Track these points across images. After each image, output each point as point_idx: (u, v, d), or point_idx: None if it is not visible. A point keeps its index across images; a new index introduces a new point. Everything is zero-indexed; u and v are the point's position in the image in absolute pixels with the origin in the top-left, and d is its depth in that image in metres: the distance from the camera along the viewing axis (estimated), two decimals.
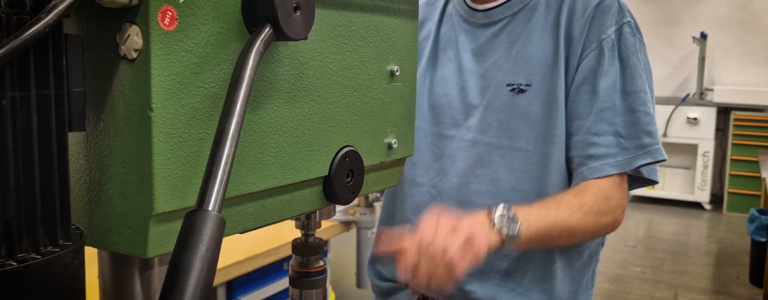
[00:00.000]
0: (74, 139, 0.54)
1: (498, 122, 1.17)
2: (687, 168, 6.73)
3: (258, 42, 0.53)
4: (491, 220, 0.97)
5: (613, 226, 1.13)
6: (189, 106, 0.52)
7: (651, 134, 1.12)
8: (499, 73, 1.18)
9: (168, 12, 0.50)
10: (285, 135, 0.63)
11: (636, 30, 1.15)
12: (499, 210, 0.98)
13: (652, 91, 1.17)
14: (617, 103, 1.12)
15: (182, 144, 0.52)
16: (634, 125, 1.12)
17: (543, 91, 1.15)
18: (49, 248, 0.44)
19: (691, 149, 6.57)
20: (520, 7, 1.20)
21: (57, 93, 0.44)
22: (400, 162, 0.84)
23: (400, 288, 1.30)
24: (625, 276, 4.53)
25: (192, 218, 0.42)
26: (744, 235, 4.99)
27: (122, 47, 0.50)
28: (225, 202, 0.58)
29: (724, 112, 6.55)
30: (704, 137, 6.45)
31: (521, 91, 1.16)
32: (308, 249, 0.80)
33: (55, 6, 0.42)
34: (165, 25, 0.49)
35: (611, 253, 5.00)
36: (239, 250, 1.98)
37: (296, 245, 0.81)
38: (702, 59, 6.62)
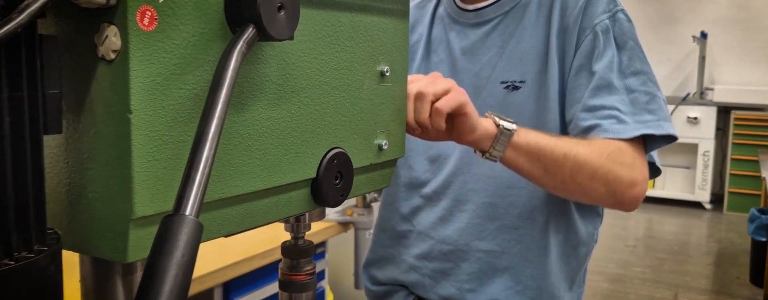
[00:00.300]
0: (54, 141, 0.53)
1: None
2: (687, 167, 6.73)
3: (240, 42, 0.52)
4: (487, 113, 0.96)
5: (631, 190, 1.04)
6: (170, 107, 0.51)
7: (652, 112, 1.07)
8: (494, 71, 1.18)
9: (147, 12, 0.49)
10: (271, 137, 0.62)
11: (629, 18, 1.14)
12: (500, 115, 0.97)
13: (655, 77, 1.14)
14: (614, 82, 1.08)
15: (163, 147, 0.51)
16: (633, 104, 1.08)
17: (536, 87, 1.14)
18: (24, 254, 0.43)
19: (691, 149, 6.56)
20: (511, 5, 1.20)
21: (30, 95, 0.43)
22: (391, 163, 0.83)
23: (394, 291, 1.30)
24: (625, 276, 4.52)
25: (168, 223, 0.41)
26: (744, 235, 4.98)
27: (100, 48, 0.49)
28: (208, 206, 0.57)
29: (724, 111, 6.54)
30: (704, 137, 6.45)
31: (516, 88, 1.15)
32: (298, 252, 0.79)
33: (27, 6, 0.41)
34: (144, 25, 0.48)
35: (611, 252, 4.99)
36: (236, 252, 1.97)
37: (285, 248, 0.80)
38: (702, 58, 6.61)
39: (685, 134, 6.50)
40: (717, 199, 6.63)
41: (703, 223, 6.09)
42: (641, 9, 6.95)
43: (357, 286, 2.58)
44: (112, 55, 0.48)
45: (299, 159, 0.65)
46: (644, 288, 4.31)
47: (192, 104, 0.53)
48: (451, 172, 1.21)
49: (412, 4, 1.37)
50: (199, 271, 1.83)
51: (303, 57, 0.64)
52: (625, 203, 1.06)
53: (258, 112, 0.60)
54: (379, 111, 0.78)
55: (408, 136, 1.28)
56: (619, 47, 1.11)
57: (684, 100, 6.51)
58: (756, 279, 4.30)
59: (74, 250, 0.54)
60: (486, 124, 0.96)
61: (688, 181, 6.71)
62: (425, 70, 1.27)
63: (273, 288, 2.15)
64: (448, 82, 0.93)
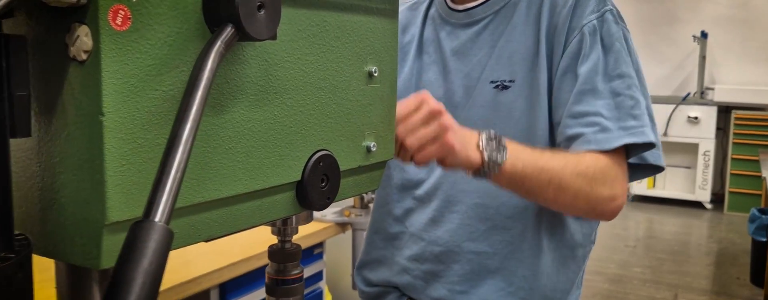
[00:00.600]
0: (26, 144, 0.51)
1: (482, 120, 1.16)
2: (688, 167, 6.71)
3: (218, 43, 0.51)
4: (479, 138, 0.95)
5: (610, 204, 1.06)
6: (145, 110, 0.50)
7: (636, 118, 1.07)
8: (484, 71, 1.17)
9: (120, 11, 0.47)
10: (253, 139, 0.60)
11: (619, 18, 1.13)
12: (491, 132, 0.95)
13: (642, 79, 1.13)
14: (599, 85, 1.08)
15: (137, 150, 0.49)
16: (618, 108, 1.07)
17: (526, 86, 1.13)
18: None
19: (691, 148, 6.54)
20: (501, 5, 1.18)
21: None
22: (380, 166, 0.82)
23: (387, 292, 1.29)
24: (624, 276, 4.50)
25: (136, 230, 0.40)
26: (745, 235, 4.96)
27: (71, 49, 0.47)
28: (187, 210, 0.56)
29: (724, 111, 6.52)
30: (705, 136, 6.43)
31: (505, 87, 1.14)
32: (285, 255, 0.78)
33: None
34: (117, 24, 0.47)
35: (611, 253, 4.97)
36: (232, 253, 1.96)
37: (272, 251, 0.78)
38: (702, 58, 6.59)
39: (685, 134, 6.48)
40: (717, 199, 6.61)
41: (704, 223, 6.07)
42: (641, 8, 6.93)
43: (355, 286, 2.56)
44: (84, 56, 0.47)
45: (283, 161, 0.64)
46: (644, 288, 4.30)
47: (168, 106, 0.51)
48: (442, 173, 1.19)
49: (405, 5, 1.36)
50: (195, 272, 1.82)
51: (286, 57, 0.63)
52: (604, 216, 1.10)
53: (239, 113, 0.58)
54: (368, 112, 0.76)
55: None
56: (606, 49, 1.10)
57: (684, 100, 6.49)
58: (756, 279, 4.28)
59: (48, 256, 0.52)
60: (473, 156, 0.95)
61: (688, 180, 6.69)
62: (418, 70, 1.26)
63: None
64: (433, 129, 0.92)
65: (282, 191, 0.66)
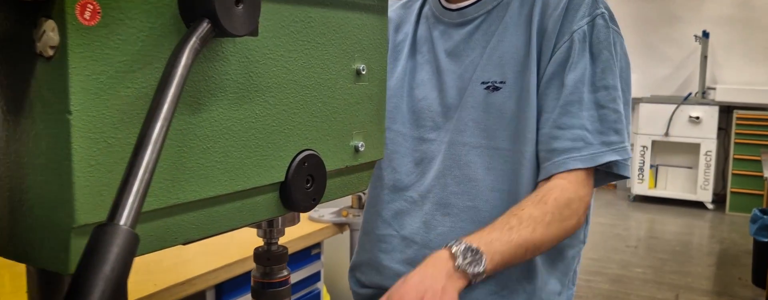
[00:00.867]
0: None
1: (474, 122, 1.14)
2: (689, 167, 6.68)
3: (193, 38, 0.49)
4: (454, 262, 0.93)
5: (577, 227, 1.10)
6: (116, 108, 0.48)
7: (618, 132, 1.08)
8: (476, 72, 1.15)
9: (88, 5, 0.45)
10: (232, 138, 0.58)
11: (610, 21, 1.11)
12: (461, 247, 0.94)
13: (627, 86, 1.13)
14: (584, 96, 1.08)
15: (108, 150, 0.48)
16: (601, 121, 1.08)
17: (517, 87, 1.11)
18: None
19: (693, 148, 6.51)
20: (494, 4, 1.17)
21: None
22: (369, 166, 0.80)
23: (380, 294, 1.27)
24: (625, 277, 4.48)
25: (99, 233, 0.38)
26: (747, 236, 4.93)
27: (38, 44, 0.45)
28: (163, 212, 0.54)
29: (726, 111, 6.49)
30: (706, 136, 6.40)
31: (496, 88, 1.12)
32: (271, 258, 0.76)
33: None
34: (85, 19, 0.45)
35: (612, 253, 4.94)
36: (229, 254, 1.94)
37: (258, 254, 0.76)
38: (704, 58, 6.55)
39: (687, 134, 6.45)
40: (719, 199, 6.58)
41: (705, 224, 6.04)
42: (643, 8, 6.90)
43: None
44: (50, 52, 0.45)
45: (265, 162, 0.62)
46: (645, 289, 4.27)
47: (141, 104, 0.49)
48: (435, 176, 1.17)
49: (398, 3, 1.34)
50: (190, 273, 1.80)
51: (268, 54, 0.61)
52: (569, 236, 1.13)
53: (218, 112, 0.56)
54: (355, 111, 0.74)
55: (394, 135, 1.25)
56: (594, 58, 1.09)
57: (686, 100, 6.46)
58: (758, 280, 4.25)
59: (17, 260, 0.51)
60: (459, 282, 0.94)
61: (690, 181, 6.66)
62: (411, 69, 1.24)
63: None
64: None
65: (264, 192, 0.64)
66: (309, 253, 2.37)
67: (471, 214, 1.14)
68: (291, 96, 0.64)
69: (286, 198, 0.65)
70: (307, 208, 0.68)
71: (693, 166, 6.61)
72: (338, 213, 2.50)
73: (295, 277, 2.29)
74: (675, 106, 6.41)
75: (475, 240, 0.95)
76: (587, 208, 1.11)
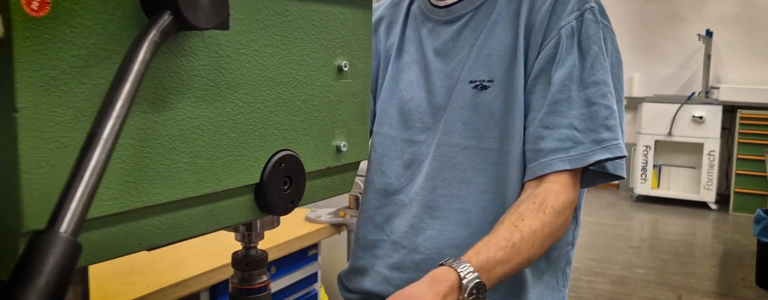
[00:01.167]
0: None
1: (462, 122, 1.10)
2: (692, 167, 6.64)
3: (153, 31, 0.46)
4: (459, 294, 0.88)
5: (565, 227, 1.05)
6: (70, 105, 0.45)
7: (610, 129, 1.03)
8: (464, 70, 1.11)
9: None
10: (201, 138, 0.55)
11: (600, 15, 1.07)
12: (471, 277, 0.89)
13: (619, 82, 1.08)
14: (573, 94, 1.03)
15: (60, 150, 0.44)
16: (592, 118, 1.03)
17: (505, 86, 1.08)
18: None
19: (696, 148, 6.47)
20: (482, 0, 1.13)
21: None
22: (352, 167, 0.76)
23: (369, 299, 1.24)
24: (627, 278, 4.44)
25: (36, 241, 0.35)
26: (750, 236, 4.89)
27: None
28: (124, 216, 0.50)
29: (730, 110, 6.45)
30: (710, 136, 6.35)
31: (484, 87, 1.09)
32: (250, 263, 0.73)
33: None
34: (32, 10, 0.42)
35: (614, 254, 4.91)
36: (224, 255, 1.90)
37: (236, 259, 0.73)
38: (707, 57, 6.51)
39: (690, 134, 6.41)
40: (722, 199, 6.53)
41: (709, 224, 5.99)
42: (646, 7, 6.86)
43: None
44: None
45: (238, 163, 0.59)
46: (647, 290, 4.23)
47: (98, 101, 0.46)
48: (424, 178, 1.14)
49: (387, 2, 1.31)
50: (184, 274, 1.77)
51: (241, 49, 0.58)
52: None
53: (185, 110, 0.53)
54: (337, 109, 0.71)
55: (382, 138, 1.22)
56: (582, 54, 1.05)
57: (689, 99, 6.42)
58: (762, 281, 4.21)
59: None
60: None
61: (693, 181, 6.62)
62: (399, 70, 1.21)
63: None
64: None
65: (238, 195, 0.61)
66: (306, 254, 2.34)
67: (460, 217, 1.11)
68: (266, 93, 0.61)
69: (262, 201, 0.62)
70: (285, 211, 0.64)
71: (696, 166, 6.57)
72: (335, 213, 2.47)
73: (293, 278, 2.27)
74: (678, 105, 6.37)
75: (483, 268, 0.91)
76: (574, 205, 1.07)
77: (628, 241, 5.30)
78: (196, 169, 0.55)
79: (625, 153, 1.05)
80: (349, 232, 2.53)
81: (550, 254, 1.15)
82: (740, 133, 6.22)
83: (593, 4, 1.06)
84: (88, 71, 0.46)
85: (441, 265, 0.91)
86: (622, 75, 1.09)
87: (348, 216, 2.47)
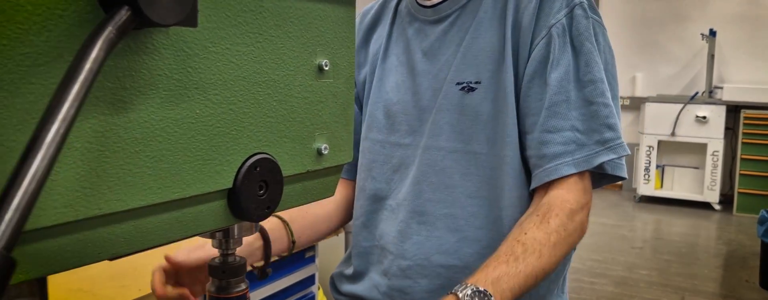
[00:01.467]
0: None
1: (449, 125, 1.07)
2: (696, 167, 6.60)
3: (108, 28, 0.43)
4: None
5: (582, 236, 1.03)
6: (17, 107, 0.42)
7: (612, 127, 1.01)
8: (450, 71, 1.08)
9: None
10: (167, 141, 0.52)
11: (590, 10, 1.04)
12: (467, 292, 0.86)
13: (614, 79, 1.06)
14: (571, 94, 1.01)
15: (7, 156, 0.41)
16: (593, 118, 1.01)
17: (492, 87, 1.05)
18: None
19: (700, 148, 6.43)
20: None
21: None
22: (336, 170, 0.73)
23: None
24: (630, 279, 4.40)
25: None
26: (754, 237, 4.84)
27: None
28: (80, 225, 0.47)
29: (733, 110, 6.40)
30: (713, 136, 6.31)
31: (471, 89, 1.06)
32: (227, 271, 0.70)
33: None
34: None
35: (616, 254, 4.87)
36: None
37: (213, 267, 0.70)
38: (711, 57, 6.47)
39: (693, 134, 6.37)
40: (726, 199, 6.49)
41: (712, 225, 5.95)
42: (649, 6, 6.82)
43: None
44: None
45: (208, 167, 0.56)
46: (650, 291, 4.20)
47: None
48: (411, 182, 1.11)
49: (378, 3, 1.28)
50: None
51: (211, 47, 0.55)
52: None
53: (148, 112, 0.50)
54: (318, 110, 0.68)
55: (371, 143, 1.20)
56: (576, 52, 1.02)
57: (692, 99, 6.38)
58: (766, 283, 4.17)
59: None
60: None
61: (696, 181, 6.58)
62: (386, 72, 1.18)
63: (263, 291, 2.07)
64: None
65: (209, 200, 0.58)
66: (303, 256, 2.32)
67: (447, 222, 1.08)
68: (239, 94, 0.58)
69: (236, 206, 0.59)
70: (261, 217, 0.61)
71: (700, 167, 6.53)
72: None
73: (290, 280, 2.25)
74: (681, 105, 6.33)
75: (481, 280, 0.87)
76: (587, 215, 1.04)
77: (630, 241, 5.26)
78: (161, 174, 0.52)
79: (627, 152, 1.03)
80: (346, 233, 2.51)
81: None
82: (744, 133, 6.18)
83: (581, 0, 1.03)
84: (37, 71, 0.43)
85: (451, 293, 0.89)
86: (615, 71, 1.06)
87: None
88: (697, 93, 6.52)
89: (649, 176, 6.56)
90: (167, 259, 0.96)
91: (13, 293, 1.20)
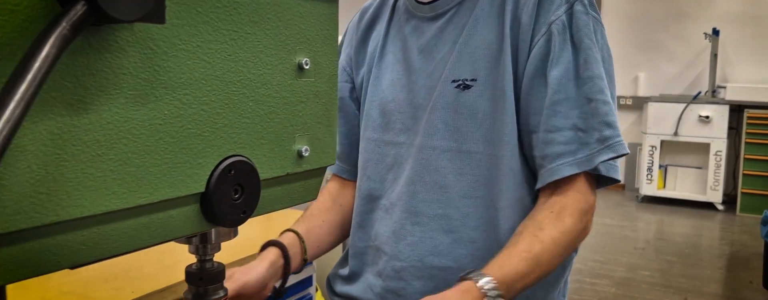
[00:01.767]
0: None
1: (444, 123, 1.05)
2: (699, 167, 6.57)
3: (62, 23, 0.40)
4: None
5: (584, 238, 1.04)
6: None
7: (611, 125, 1.00)
8: (446, 69, 1.06)
9: None
10: (132, 143, 0.49)
11: (590, 7, 1.02)
12: (489, 287, 0.86)
13: (611, 78, 1.04)
14: (572, 92, 0.99)
15: None
16: (593, 116, 1.00)
17: (489, 85, 1.03)
18: None
19: (703, 148, 6.40)
20: None
21: None
22: (318, 173, 0.71)
23: None
24: (632, 280, 4.37)
25: None
26: (758, 238, 4.81)
27: None
28: (37, 232, 0.45)
29: (737, 110, 6.37)
30: (716, 136, 6.28)
31: (467, 86, 1.03)
32: (204, 277, 0.68)
33: None
34: None
35: (618, 255, 4.84)
36: (219, 256, 1.86)
37: (190, 273, 0.68)
38: (714, 56, 6.44)
39: (696, 133, 6.34)
40: (729, 200, 6.45)
41: (715, 225, 5.92)
42: (652, 5, 6.79)
43: None
44: None
45: (178, 170, 0.53)
46: (652, 292, 4.17)
47: None
48: (405, 181, 1.09)
49: (377, 1, 1.26)
50: (172, 279, 1.73)
51: (180, 45, 0.52)
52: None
53: (111, 112, 0.48)
54: (298, 111, 0.65)
55: (366, 143, 1.18)
56: (576, 49, 1.01)
57: (695, 99, 6.34)
58: None
59: None
60: None
61: (699, 181, 6.54)
62: (379, 72, 1.16)
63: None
64: None
65: (180, 205, 0.55)
66: None
67: (441, 223, 1.06)
68: (212, 94, 0.56)
69: (209, 211, 0.57)
70: (236, 222, 0.59)
71: (703, 167, 6.50)
72: None
73: (289, 280, 2.24)
74: (684, 105, 6.30)
75: (497, 273, 0.89)
76: (591, 211, 1.05)
77: (633, 242, 5.23)
78: (126, 178, 0.49)
79: (628, 150, 1.02)
80: None
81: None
82: (747, 133, 6.15)
83: None
84: None
85: (464, 278, 0.90)
86: (613, 70, 1.05)
87: None
88: (700, 92, 6.49)
89: (651, 176, 6.53)
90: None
91: None
